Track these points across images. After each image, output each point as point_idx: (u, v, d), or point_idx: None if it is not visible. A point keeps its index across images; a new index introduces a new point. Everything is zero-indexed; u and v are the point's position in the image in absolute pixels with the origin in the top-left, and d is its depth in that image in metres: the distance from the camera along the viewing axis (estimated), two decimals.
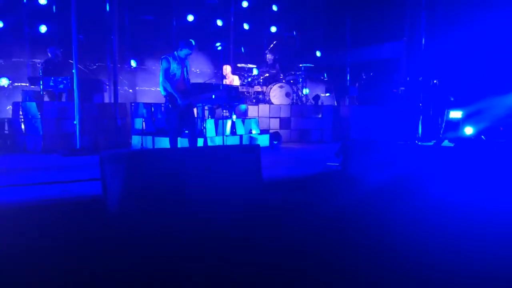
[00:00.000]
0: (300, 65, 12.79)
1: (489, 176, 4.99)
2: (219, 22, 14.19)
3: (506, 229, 3.77)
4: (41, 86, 9.37)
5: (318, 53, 15.58)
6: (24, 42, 11.77)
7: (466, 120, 10.83)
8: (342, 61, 15.75)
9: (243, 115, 10.21)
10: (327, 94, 14.63)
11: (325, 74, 15.53)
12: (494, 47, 12.70)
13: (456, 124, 10.73)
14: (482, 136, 10.72)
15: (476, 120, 10.60)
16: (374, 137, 11.82)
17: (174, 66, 6.66)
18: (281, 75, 12.44)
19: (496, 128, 10.76)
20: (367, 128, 12.34)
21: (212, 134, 9.05)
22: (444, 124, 10.50)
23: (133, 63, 13.13)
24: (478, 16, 11.75)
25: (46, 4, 11.92)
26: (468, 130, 10.68)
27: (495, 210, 4.28)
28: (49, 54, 10.25)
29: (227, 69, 11.46)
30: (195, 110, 8.47)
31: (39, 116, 8.95)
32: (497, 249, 3.25)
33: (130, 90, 13.25)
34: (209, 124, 9.06)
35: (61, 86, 9.46)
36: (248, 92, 11.87)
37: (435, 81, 10.27)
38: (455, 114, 10.94)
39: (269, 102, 11.70)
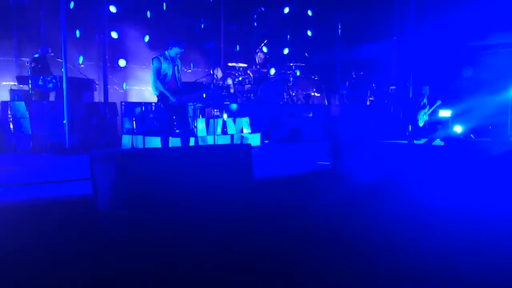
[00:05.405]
0: (291, 64, 12.82)
1: (478, 174, 5.05)
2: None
3: (496, 225, 3.81)
4: (30, 85, 9.28)
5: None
6: (12, 41, 11.66)
7: (455, 118, 10.95)
8: (332, 60, 15.83)
9: (234, 114, 10.20)
10: (318, 94, 14.70)
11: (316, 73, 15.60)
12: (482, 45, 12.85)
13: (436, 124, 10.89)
14: (471, 135, 10.85)
15: (465, 119, 10.73)
16: (365, 135, 11.91)
17: (165, 66, 6.63)
18: (272, 74, 12.45)
19: (484, 127, 10.91)
20: (357, 126, 12.42)
21: (203, 134, 9.03)
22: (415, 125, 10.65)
23: (122, 62, 13.05)
24: (463, 16, 11.90)
25: (35, 2, 11.81)
26: (458, 129, 10.81)
27: (484, 207, 4.33)
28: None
29: (218, 74, 11.44)
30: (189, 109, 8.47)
31: (27, 116, 8.86)
32: (487, 246, 3.29)
33: (121, 90, 13.18)
34: (200, 124, 9.04)
35: (50, 85, 9.38)
36: (239, 91, 11.86)
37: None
38: (444, 113, 11.08)
39: (260, 100, 11.70)
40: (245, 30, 14.83)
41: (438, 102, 10.58)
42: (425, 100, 10.53)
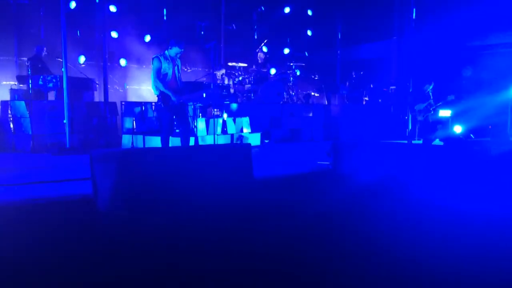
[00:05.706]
0: (291, 64, 12.81)
1: (477, 174, 5.05)
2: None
3: (496, 225, 3.82)
4: (30, 85, 9.28)
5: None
6: (12, 40, 11.66)
7: (455, 118, 10.95)
8: (332, 60, 15.83)
9: (234, 114, 10.20)
10: (317, 94, 14.70)
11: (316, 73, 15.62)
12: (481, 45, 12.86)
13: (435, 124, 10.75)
14: (471, 135, 10.85)
15: (465, 119, 10.71)
16: (365, 135, 11.91)
17: (165, 66, 6.65)
18: (272, 74, 12.44)
19: (484, 127, 10.91)
20: (357, 126, 12.43)
21: (203, 133, 9.03)
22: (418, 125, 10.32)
23: (122, 62, 13.04)
24: (463, 15, 11.90)
25: (35, 2, 11.82)
26: (457, 129, 10.80)
27: (484, 207, 4.33)
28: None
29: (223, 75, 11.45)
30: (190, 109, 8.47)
31: (28, 115, 8.86)
32: (487, 246, 3.29)
33: (121, 90, 13.18)
34: (200, 123, 9.04)
35: (50, 84, 9.38)
36: (239, 91, 11.85)
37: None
38: (444, 113, 11.07)
39: (260, 100, 11.70)
40: (245, 30, 14.81)
41: (451, 97, 9.67)
42: (430, 89, 9.70)
